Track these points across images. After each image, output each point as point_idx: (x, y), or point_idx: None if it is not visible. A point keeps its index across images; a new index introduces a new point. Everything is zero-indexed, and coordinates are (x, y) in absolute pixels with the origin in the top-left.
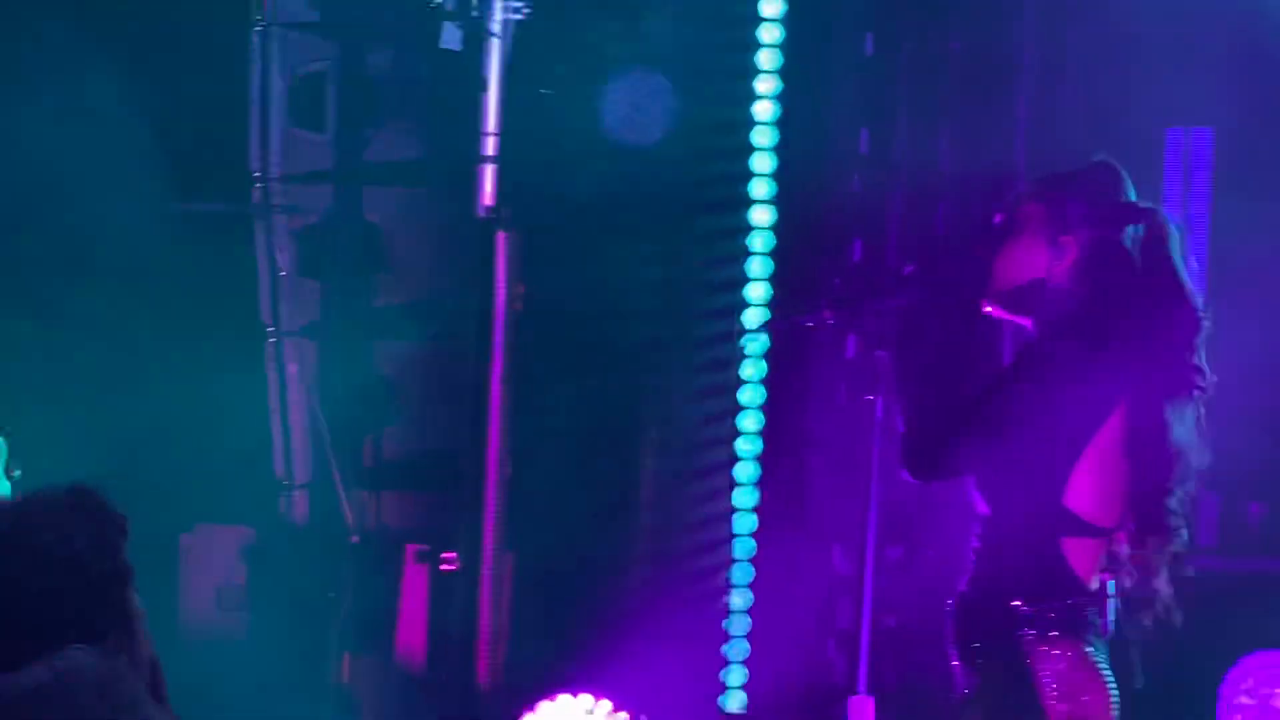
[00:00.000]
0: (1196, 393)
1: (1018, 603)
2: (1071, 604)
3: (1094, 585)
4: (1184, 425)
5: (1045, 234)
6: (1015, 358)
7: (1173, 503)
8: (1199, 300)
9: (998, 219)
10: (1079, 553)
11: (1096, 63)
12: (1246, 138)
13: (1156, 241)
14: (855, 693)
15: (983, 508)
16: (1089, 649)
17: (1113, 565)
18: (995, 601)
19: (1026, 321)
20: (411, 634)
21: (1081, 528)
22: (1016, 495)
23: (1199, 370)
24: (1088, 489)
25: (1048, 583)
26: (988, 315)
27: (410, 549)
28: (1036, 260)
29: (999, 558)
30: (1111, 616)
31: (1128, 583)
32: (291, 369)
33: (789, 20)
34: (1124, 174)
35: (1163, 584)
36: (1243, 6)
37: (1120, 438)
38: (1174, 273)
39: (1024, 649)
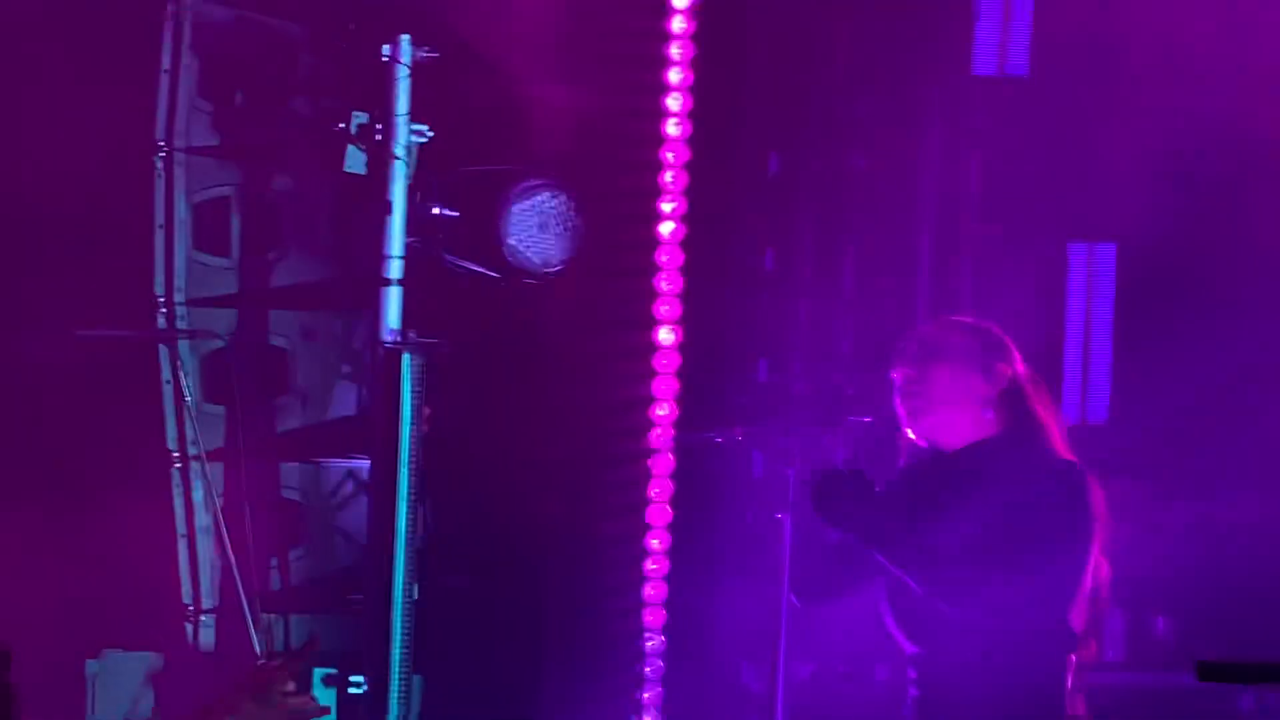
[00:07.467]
0: None
1: None
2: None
3: None
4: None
5: (977, 363)
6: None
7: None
8: None
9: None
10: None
11: (999, 179)
12: (1150, 252)
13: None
14: None
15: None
16: None
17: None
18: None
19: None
20: None
21: (1075, 643)
22: (1027, 617)
23: None
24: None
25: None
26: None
27: (317, 673)
28: (969, 389)
29: (996, 677)
30: None
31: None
32: (197, 495)
33: (693, 141)
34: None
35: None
36: (1146, 119)
37: None
38: None
39: None
